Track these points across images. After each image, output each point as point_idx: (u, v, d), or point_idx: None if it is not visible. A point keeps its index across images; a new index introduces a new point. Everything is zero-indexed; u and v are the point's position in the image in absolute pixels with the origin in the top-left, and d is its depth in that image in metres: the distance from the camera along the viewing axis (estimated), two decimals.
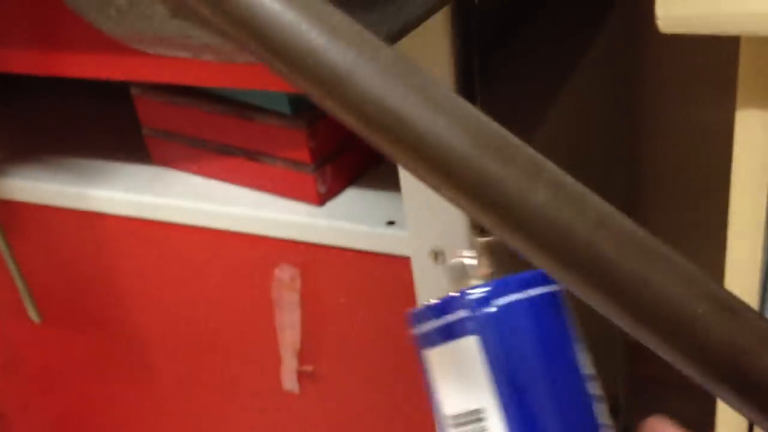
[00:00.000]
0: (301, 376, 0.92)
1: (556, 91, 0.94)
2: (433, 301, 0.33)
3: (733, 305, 0.22)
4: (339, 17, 0.23)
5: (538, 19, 1.06)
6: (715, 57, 1.03)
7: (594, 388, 0.32)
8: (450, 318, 0.32)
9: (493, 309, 0.31)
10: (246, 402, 0.99)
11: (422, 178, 0.23)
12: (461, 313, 0.31)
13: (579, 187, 0.23)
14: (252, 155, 0.87)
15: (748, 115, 0.54)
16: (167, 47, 0.39)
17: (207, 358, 0.98)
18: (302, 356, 0.91)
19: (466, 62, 0.37)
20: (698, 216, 1.19)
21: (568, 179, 0.23)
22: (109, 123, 1.04)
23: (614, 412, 1.28)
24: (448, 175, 0.22)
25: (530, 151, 0.23)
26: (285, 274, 0.86)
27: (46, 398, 1.15)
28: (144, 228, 0.91)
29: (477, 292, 0.31)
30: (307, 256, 0.85)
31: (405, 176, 0.72)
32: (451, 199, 0.23)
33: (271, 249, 0.86)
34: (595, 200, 0.23)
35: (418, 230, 0.76)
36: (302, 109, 0.81)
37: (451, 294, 0.32)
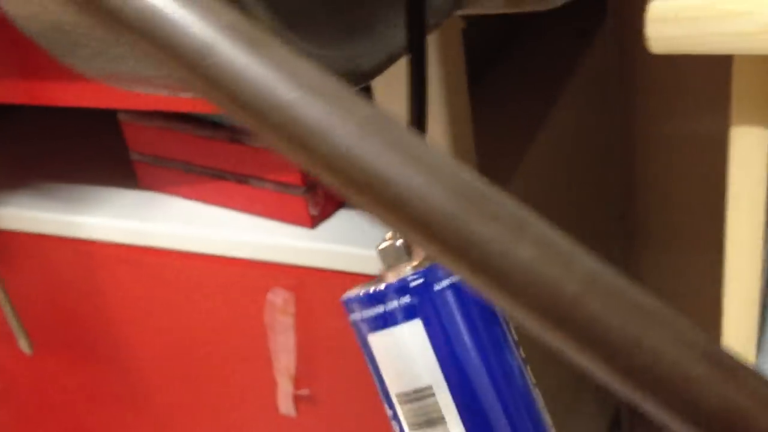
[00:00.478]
0: (297, 399, 0.91)
1: (549, 103, 0.93)
2: (372, 289, 0.35)
3: (730, 365, 0.21)
4: (311, 69, 0.22)
5: (530, 31, 1.05)
6: (708, 66, 1.02)
7: (522, 353, 0.36)
8: (394, 304, 0.34)
9: (434, 294, 0.34)
10: (242, 427, 0.98)
11: (404, 235, 0.22)
12: (406, 299, 0.34)
13: (566, 243, 0.22)
14: (242, 178, 0.86)
15: (743, 132, 0.53)
16: (145, 86, 0.38)
17: (201, 384, 0.97)
18: (298, 380, 0.90)
19: (419, 98, 0.36)
20: (692, 225, 1.18)
21: (555, 234, 0.22)
22: (97, 148, 1.03)
23: (616, 423, 1.27)
24: (429, 233, 0.21)
25: (514, 205, 0.22)
26: (278, 298, 0.85)
27: (39, 429, 1.13)
28: (134, 254, 0.90)
29: (418, 280, 0.34)
30: (300, 279, 0.83)
31: None
32: (433, 257, 0.22)
33: (264, 273, 0.85)
34: (583, 256, 0.22)
35: None
36: None
37: (391, 282, 0.34)
